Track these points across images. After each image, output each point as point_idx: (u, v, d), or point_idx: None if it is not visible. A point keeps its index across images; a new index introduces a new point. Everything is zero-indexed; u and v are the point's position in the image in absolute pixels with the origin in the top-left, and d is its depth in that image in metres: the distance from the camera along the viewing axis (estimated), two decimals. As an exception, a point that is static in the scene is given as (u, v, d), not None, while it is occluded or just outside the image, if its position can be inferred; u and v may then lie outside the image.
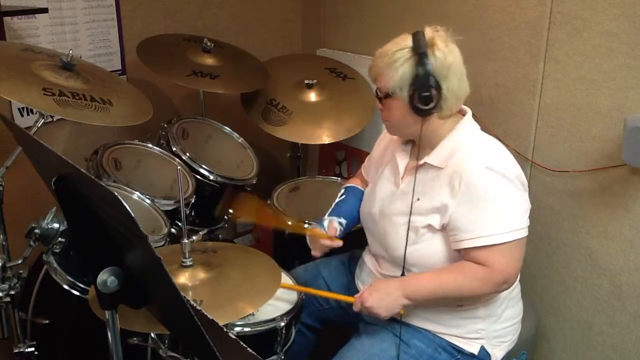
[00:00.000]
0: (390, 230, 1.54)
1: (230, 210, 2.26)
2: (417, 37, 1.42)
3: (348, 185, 1.82)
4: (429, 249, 1.47)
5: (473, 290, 1.44)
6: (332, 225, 1.66)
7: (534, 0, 1.86)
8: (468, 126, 1.51)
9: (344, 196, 1.77)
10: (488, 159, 1.43)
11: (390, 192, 1.59)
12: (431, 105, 1.43)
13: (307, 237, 1.70)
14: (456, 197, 1.41)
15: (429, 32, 1.44)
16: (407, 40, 1.43)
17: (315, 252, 1.67)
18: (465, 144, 1.47)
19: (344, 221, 1.68)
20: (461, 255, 1.44)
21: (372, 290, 1.48)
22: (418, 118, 1.46)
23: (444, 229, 1.45)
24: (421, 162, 1.51)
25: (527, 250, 1.67)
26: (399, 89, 1.43)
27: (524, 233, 1.43)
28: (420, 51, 1.40)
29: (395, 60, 1.42)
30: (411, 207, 1.48)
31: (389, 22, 2.42)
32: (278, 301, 1.58)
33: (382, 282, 1.53)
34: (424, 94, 1.41)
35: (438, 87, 1.41)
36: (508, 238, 1.39)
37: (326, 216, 1.71)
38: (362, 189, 1.79)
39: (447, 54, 1.42)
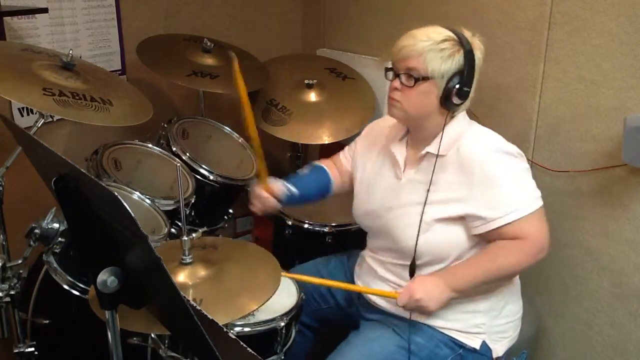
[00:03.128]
0: (399, 222, 1.53)
1: (231, 210, 2.27)
2: (461, 34, 1.46)
3: (316, 163, 1.84)
4: (440, 237, 1.48)
5: (513, 267, 1.47)
6: (278, 185, 1.69)
7: (534, 0, 1.86)
8: (465, 118, 1.54)
9: (306, 171, 1.80)
10: (492, 143, 1.48)
11: (392, 186, 1.59)
12: (463, 101, 1.47)
13: (251, 186, 1.72)
14: (474, 185, 1.43)
15: (466, 32, 1.48)
16: (442, 32, 1.45)
17: (252, 205, 1.69)
18: (465, 133, 1.49)
19: (295, 191, 1.70)
20: (479, 240, 1.47)
21: (417, 284, 1.48)
22: (442, 110, 1.48)
23: (462, 218, 1.46)
24: (423, 152, 1.52)
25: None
26: (441, 77, 1.44)
27: (540, 202, 1.47)
28: (467, 48, 1.44)
29: (444, 48, 1.43)
30: (426, 197, 1.48)
31: (389, 22, 2.42)
32: (278, 301, 1.58)
33: (424, 278, 1.50)
34: (465, 89, 1.45)
35: (471, 87, 1.46)
36: (534, 207, 1.43)
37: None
38: (330, 173, 1.81)
39: (481, 59, 1.48)
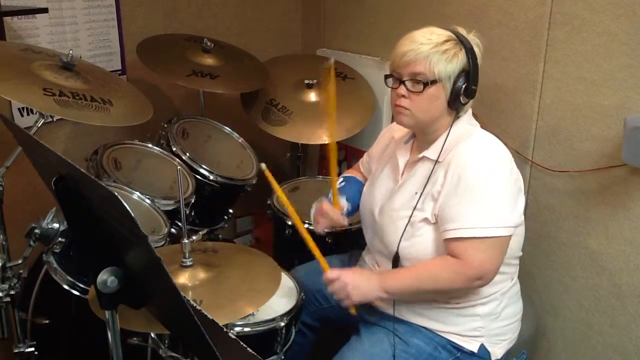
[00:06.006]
0: (389, 225, 1.54)
1: (231, 210, 2.27)
2: (458, 33, 1.45)
3: (346, 175, 1.83)
4: (424, 243, 1.47)
5: (447, 283, 1.44)
6: (342, 200, 1.67)
7: (534, 0, 1.86)
8: (468, 122, 1.52)
9: (343, 183, 1.77)
10: (484, 154, 1.45)
11: (389, 189, 1.60)
12: (470, 100, 1.47)
13: (313, 211, 1.69)
14: (447, 187, 1.43)
15: (462, 31, 1.47)
16: (441, 32, 1.44)
17: (319, 227, 1.68)
18: (464, 139, 1.48)
19: (347, 203, 1.69)
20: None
21: (353, 272, 1.51)
22: (449, 111, 1.48)
23: (436, 220, 1.46)
24: (420, 155, 1.52)
25: (527, 249, 1.67)
26: (447, 79, 1.43)
27: (506, 232, 1.41)
28: (468, 46, 1.43)
29: (447, 49, 1.41)
30: (417, 202, 1.48)
31: (389, 22, 2.42)
32: (278, 301, 1.58)
33: (366, 270, 1.59)
34: (472, 87, 1.45)
35: (477, 85, 1.46)
36: (486, 233, 1.39)
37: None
38: (361, 180, 1.79)
39: (480, 55, 1.47)
